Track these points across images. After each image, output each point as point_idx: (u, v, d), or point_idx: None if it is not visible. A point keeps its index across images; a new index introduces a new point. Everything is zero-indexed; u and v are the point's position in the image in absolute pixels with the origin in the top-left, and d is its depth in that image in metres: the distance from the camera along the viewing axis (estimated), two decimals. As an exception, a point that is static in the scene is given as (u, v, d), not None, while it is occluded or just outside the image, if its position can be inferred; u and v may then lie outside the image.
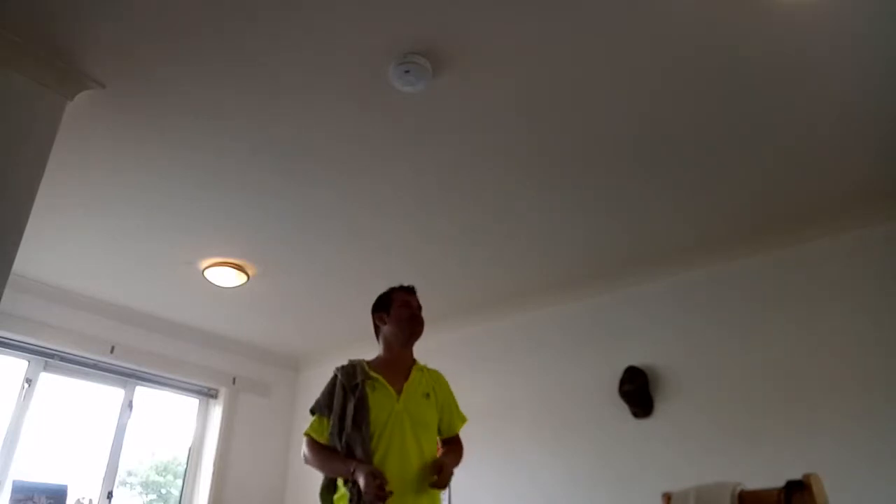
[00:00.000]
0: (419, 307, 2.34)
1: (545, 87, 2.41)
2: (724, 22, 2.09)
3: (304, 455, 2.16)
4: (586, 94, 2.44)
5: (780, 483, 1.81)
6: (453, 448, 2.27)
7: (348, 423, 2.03)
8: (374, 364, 2.22)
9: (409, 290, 2.37)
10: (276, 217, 3.34)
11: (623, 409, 3.60)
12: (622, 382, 3.60)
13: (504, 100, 2.48)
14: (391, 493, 1.88)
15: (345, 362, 2.22)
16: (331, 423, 2.09)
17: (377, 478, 1.88)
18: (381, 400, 2.09)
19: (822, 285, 3.19)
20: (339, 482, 2.05)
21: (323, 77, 2.38)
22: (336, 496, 2.07)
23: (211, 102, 2.52)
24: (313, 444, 2.13)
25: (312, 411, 2.19)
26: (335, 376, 2.18)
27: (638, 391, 3.52)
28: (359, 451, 1.99)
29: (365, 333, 4.87)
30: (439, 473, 2.02)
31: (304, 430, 2.21)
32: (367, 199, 3.16)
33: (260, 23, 2.14)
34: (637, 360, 3.64)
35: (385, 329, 2.30)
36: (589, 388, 3.79)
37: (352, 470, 1.94)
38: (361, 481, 1.88)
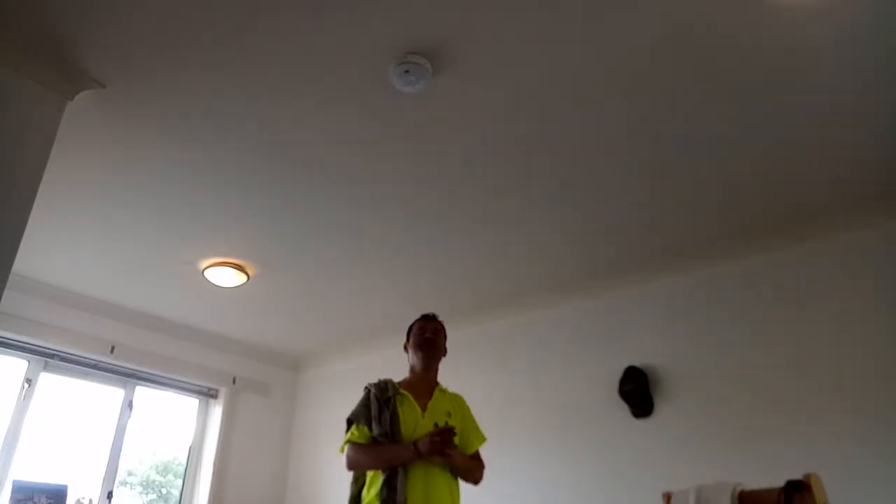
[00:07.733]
0: (434, 331, 2.54)
1: (546, 86, 2.40)
2: (724, 21, 2.09)
3: (353, 459, 2.30)
4: (586, 93, 2.44)
5: (780, 483, 1.81)
6: (474, 462, 2.44)
7: (386, 429, 2.25)
8: (402, 384, 2.45)
9: (426, 318, 2.60)
10: (277, 217, 3.34)
11: (623, 409, 3.60)
12: (622, 382, 3.60)
13: (505, 99, 2.48)
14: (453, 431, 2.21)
15: (374, 380, 2.44)
16: (372, 429, 2.28)
17: (437, 435, 2.17)
18: (408, 413, 2.31)
19: (821, 285, 3.19)
20: (364, 495, 2.23)
21: (323, 77, 2.37)
22: None
23: (211, 102, 2.52)
24: (360, 445, 2.30)
25: (350, 421, 2.37)
26: (368, 391, 2.40)
27: (638, 391, 3.52)
28: None
29: (364, 334, 4.95)
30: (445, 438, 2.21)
31: (342, 443, 2.36)
32: (367, 199, 3.16)
33: (260, 23, 2.14)
34: (637, 360, 3.64)
35: (408, 355, 2.57)
36: (589, 388, 3.79)
37: (412, 447, 2.17)
38: (425, 446, 2.16)
